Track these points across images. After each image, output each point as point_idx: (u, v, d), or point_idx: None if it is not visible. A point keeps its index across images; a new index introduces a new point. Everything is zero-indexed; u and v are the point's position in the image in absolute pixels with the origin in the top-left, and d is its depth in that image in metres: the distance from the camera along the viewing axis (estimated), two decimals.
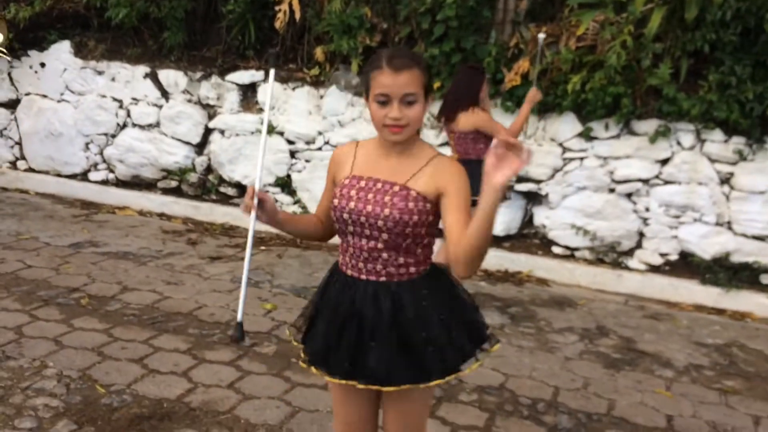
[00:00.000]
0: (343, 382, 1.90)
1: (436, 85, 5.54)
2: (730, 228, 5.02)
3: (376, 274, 1.88)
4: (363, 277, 1.89)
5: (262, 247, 5.70)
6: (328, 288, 2.00)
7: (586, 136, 5.27)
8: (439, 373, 1.88)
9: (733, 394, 3.59)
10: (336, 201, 1.88)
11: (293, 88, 6.24)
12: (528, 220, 5.64)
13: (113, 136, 6.94)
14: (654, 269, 5.24)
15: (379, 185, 1.84)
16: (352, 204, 1.85)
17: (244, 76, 6.41)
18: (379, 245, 1.84)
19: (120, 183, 6.99)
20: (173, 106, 6.64)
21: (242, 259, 5.31)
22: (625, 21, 4.98)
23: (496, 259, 5.48)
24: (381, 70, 1.78)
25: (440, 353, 1.87)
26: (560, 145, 5.38)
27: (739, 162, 4.93)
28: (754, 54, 4.76)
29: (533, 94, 4.58)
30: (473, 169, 4.23)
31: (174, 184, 6.77)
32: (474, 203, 3.67)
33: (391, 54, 1.81)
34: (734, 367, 3.94)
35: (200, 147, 6.69)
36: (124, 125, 6.89)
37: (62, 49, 7.03)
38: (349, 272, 1.92)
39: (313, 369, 1.97)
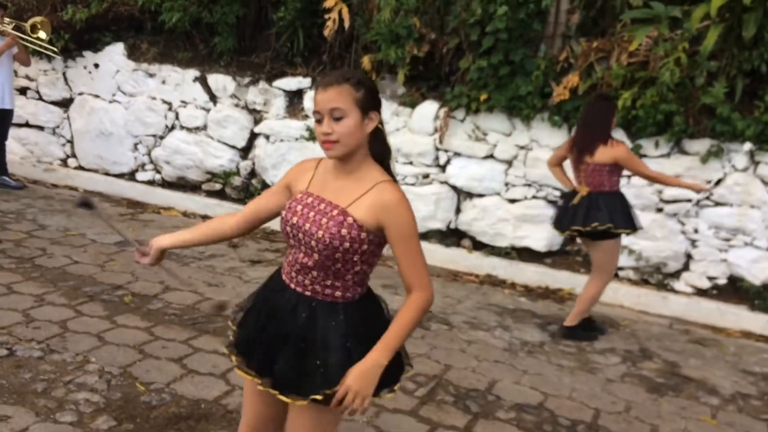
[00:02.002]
0: (249, 377, 1.94)
1: (483, 97, 5.51)
2: None
3: (303, 287, 1.91)
4: (292, 285, 1.93)
5: None
6: (266, 286, 2.06)
7: (636, 153, 5.15)
8: (298, 390, 1.86)
9: None
10: (283, 213, 1.93)
11: None
12: (571, 237, 5.54)
13: (161, 137, 7.06)
14: (701, 293, 5.10)
15: (322, 206, 1.86)
16: (294, 219, 1.88)
17: (291, 83, 6.47)
18: (310, 263, 1.87)
19: (166, 184, 7.11)
20: (221, 110, 6.73)
21: None
22: (680, 38, 4.88)
23: (537, 275, 5.41)
24: (317, 90, 1.85)
25: (328, 379, 1.82)
26: None
27: None
28: None
29: (701, 187, 4.43)
30: (609, 201, 4.14)
31: (218, 186, 6.85)
32: (614, 235, 4.07)
33: (328, 74, 1.94)
34: None
35: (245, 151, 6.76)
36: (172, 127, 7.01)
37: (116, 51, 7.20)
38: (284, 277, 1.97)
39: (232, 357, 2.00)
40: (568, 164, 4.40)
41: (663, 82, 4.78)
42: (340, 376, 1.80)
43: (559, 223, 4.37)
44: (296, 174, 2.01)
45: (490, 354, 4.03)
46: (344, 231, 1.80)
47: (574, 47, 5.38)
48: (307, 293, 1.90)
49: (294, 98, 6.54)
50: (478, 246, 5.81)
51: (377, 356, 1.80)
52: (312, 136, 6.33)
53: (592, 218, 4.11)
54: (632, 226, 4.18)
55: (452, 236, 5.97)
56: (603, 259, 4.26)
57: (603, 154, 4.10)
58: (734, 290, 5.02)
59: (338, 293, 1.89)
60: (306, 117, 6.44)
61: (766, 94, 4.72)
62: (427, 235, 6.00)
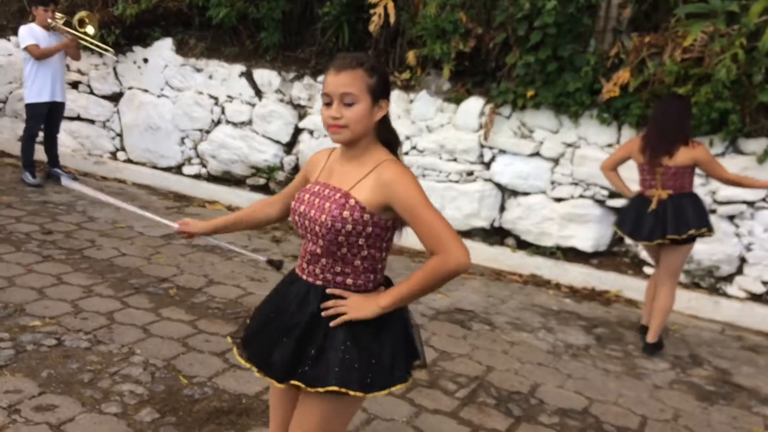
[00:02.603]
0: (253, 368, 1.94)
1: (530, 93, 5.41)
2: None
3: (314, 276, 1.91)
4: (303, 276, 1.94)
5: None
6: (280, 282, 2.07)
7: None
8: (327, 381, 1.80)
9: None
10: (293, 203, 1.95)
11: None
12: (619, 238, 5.40)
13: (207, 132, 7.14)
14: (755, 298, 4.92)
15: (327, 191, 1.87)
16: (301, 207, 1.90)
17: None
18: (318, 250, 1.87)
19: (211, 178, 7.19)
20: (266, 105, 6.77)
21: None
22: (737, 33, 4.70)
23: (582, 276, 5.29)
24: (327, 72, 1.83)
25: (342, 367, 1.81)
26: None
27: None
28: None
29: None
30: (694, 203, 4.03)
31: (262, 181, 6.90)
32: (694, 238, 3.93)
33: (339, 56, 1.85)
34: None
35: (289, 146, 6.79)
36: (218, 122, 7.08)
37: (164, 46, 7.30)
38: (297, 270, 1.98)
39: (235, 350, 2.01)
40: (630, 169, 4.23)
41: (718, 79, 4.61)
42: (354, 369, 1.81)
43: (640, 232, 4.08)
44: (311, 166, 2.04)
45: (533, 356, 3.96)
46: (346, 213, 1.79)
47: (626, 42, 5.23)
48: (318, 282, 1.90)
49: None
50: (522, 245, 5.72)
51: (380, 297, 1.85)
52: None
53: (685, 224, 3.95)
54: (711, 227, 4.06)
55: (496, 235, 5.88)
56: (679, 264, 4.13)
57: (684, 156, 3.94)
58: None
59: (349, 280, 1.88)
60: None
61: None
62: (470, 234, 5.94)
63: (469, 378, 3.60)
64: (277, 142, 6.79)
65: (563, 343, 4.21)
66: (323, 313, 1.85)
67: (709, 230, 4.03)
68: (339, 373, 1.80)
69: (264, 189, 6.87)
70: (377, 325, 1.85)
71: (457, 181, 5.95)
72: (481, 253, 5.71)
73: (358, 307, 1.84)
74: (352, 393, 1.80)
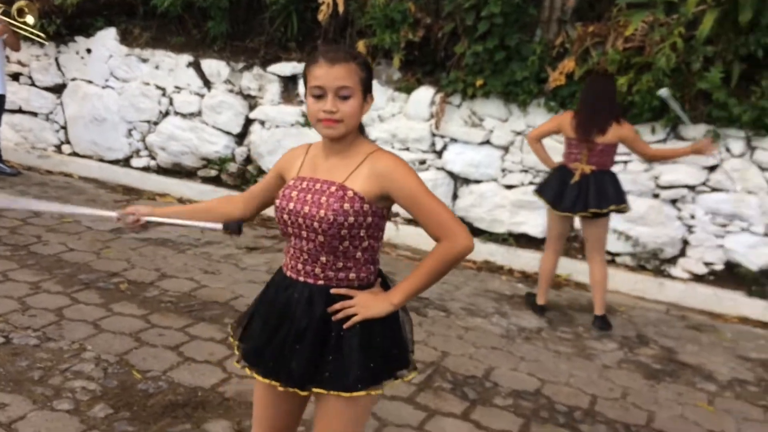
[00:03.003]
0: (267, 381, 1.86)
1: (479, 82, 5.48)
2: None
3: (314, 277, 1.83)
4: (301, 278, 1.85)
5: None
6: (268, 288, 1.97)
7: None
8: (352, 385, 1.79)
9: None
10: (278, 202, 1.86)
11: None
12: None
13: (155, 123, 7.01)
14: (698, 278, 5.11)
15: (318, 185, 1.81)
16: (291, 205, 1.82)
17: (285, 68, 6.42)
18: (317, 247, 1.81)
19: (161, 170, 7.07)
20: (215, 96, 6.68)
21: (279, 250, 5.33)
22: (676, 22, 4.85)
23: (534, 261, 5.40)
24: (316, 64, 1.76)
25: (361, 366, 1.80)
26: None
27: None
28: None
29: (705, 146, 4.32)
30: (613, 180, 4.21)
31: (213, 173, 6.81)
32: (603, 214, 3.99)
33: (328, 48, 1.81)
34: None
35: (240, 137, 6.73)
36: (167, 113, 6.96)
37: (108, 36, 7.12)
38: (288, 273, 1.89)
39: (247, 370, 1.91)
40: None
41: (659, 67, 4.76)
42: (371, 368, 1.80)
43: (562, 202, 4.22)
44: (286, 162, 1.97)
45: (487, 341, 4.04)
46: (346, 205, 1.76)
47: (570, 32, 5.35)
48: (320, 282, 1.83)
49: (288, 84, 6.49)
50: (475, 232, 5.80)
51: (391, 294, 1.84)
52: (308, 123, 6.29)
53: (606, 200, 4.14)
54: (628, 204, 4.27)
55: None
56: (604, 237, 4.31)
57: (613, 134, 4.11)
58: (731, 276, 5.03)
59: (352, 274, 1.84)
60: (301, 103, 6.39)
61: (762, 79, 4.70)
62: None
63: (425, 364, 3.64)
64: (228, 133, 6.71)
65: (516, 327, 4.30)
66: (333, 318, 1.80)
67: (627, 207, 4.25)
68: (361, 375, 1.78)
69: (216, 181, 6.79)
70: (383, 319, 1.83)
71: None
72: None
73: (369, 305, 1.80)
74: (374, 392, 1.82)
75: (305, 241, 1.82)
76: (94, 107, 7.23)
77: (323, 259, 1.82)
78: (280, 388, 1.85)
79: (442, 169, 5.88)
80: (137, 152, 7.18)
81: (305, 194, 1.81)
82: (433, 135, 5.88)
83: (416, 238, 5.88)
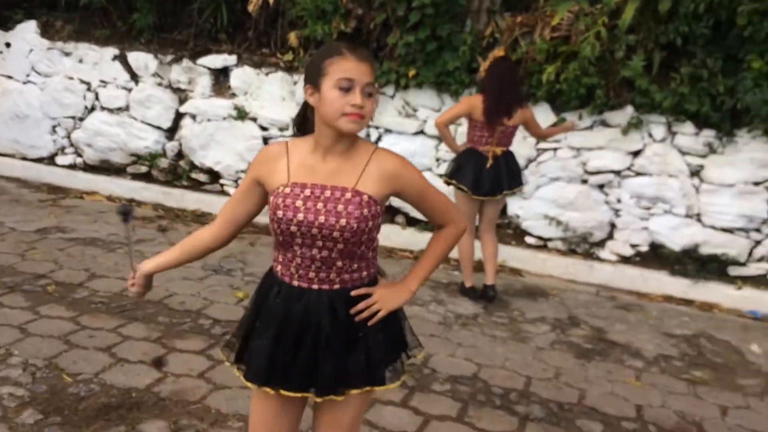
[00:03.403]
0: (299, 394, 1.83)
1: (411, 73, 5.51)
2: (699, 220, 5.09)
3: (330, 282, 1.80)
4: (315, 286, 1.80)
5: None
6: (267, 301, 1.87)
7: (560, 126, 5.28)
8: (375, 380, 1.85)
9: (701, 385, 3.65)
10: (280, 213, 1.75)
11: (266, 74, 6.15)
12: (502, 210, 5.63)
13: (81, 119, 6.78)
14: (625, 260, 5.30)
15: (328, 192, 1.75)
16: (300, 216, 1.73)
17: (216, 60, 6.31)
18: (333, 255, 1.77)
19: (88, 167, 6.84)
20: (143, 90, 6.51)
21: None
22: (600, 12, 5.00)
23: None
24: (343, 57, 1.72)
25: (376, 360, 1.85)
26: None
27: (709, 155, 5.00)
28: (725, 47, 4.82)
29: (570, 126, 4.89)
30: (515, 159, 4.45)
31: (144, 169, 6.64)
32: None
33: (351, 45, 1.79)
34: (702, 358, 4.01)
35: (171, 132, 6.57)
36: (92, 108, 6.73)
37: (28, 29, 6.83)
38: (295, 282, 1.81)
39: (269, 390, 1.84)
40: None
41: (584, 56, 4.89)
42: (382, 360, 1.85)
43: (481, 188, 4.29)
44: (263, 166, 1.84)
45: (425, 328, 4.08)
46: (365, 211, 1.73)
47: (499, 22, 5.44)
48: (336, 287, 1.81)
49: (220, 76, 6.38)
50: (411, 222, 5.85)
51: (407, 282, 1.91)
52: (241, 115, 6.21)
53: (514, 180, 4.41)
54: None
55: (386, 213, 5.97)
56: (498, 213, 4.65)
57: (519, 116, 4.28)
58: (656, 257, 5.23)
59: (364, 273, 1.85)
60: (233, 95, 6.29)
61: (681, 67, 4.89)
62: None
63: None
64: (158, 127, 6.55)
65: (453, 313, 4.36)
66: (359, 318, 1.81)
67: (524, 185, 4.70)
68: (391, 366, 1.88)
69: (146, 177, 6.62)
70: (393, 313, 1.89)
71: None
72: None
73: (390, 298, 1.85)
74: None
75: (318, 250, 1.76)
76: (15, 104, 6.93)
77: (339, 264, 1.79)
78: (317, 399, 1.84)
79: None
80: (62, 149, 6.93)
81: (314, 203, 1.74)
82: (368, 126, 5.88)
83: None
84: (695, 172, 5.06)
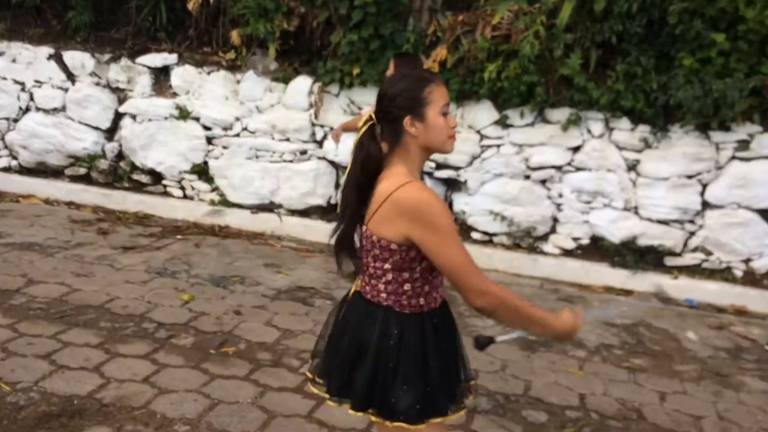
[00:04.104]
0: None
1: (355, 71, 5.52)
2: (636, 213, 5.25)
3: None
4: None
5: (179, 236, 5.54)
6: (436, 326, 1.94)
7: (503, 123, 5.38)
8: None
9: (640, 372, 3.78)
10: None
11: (208, 72, 6.07)
12: (448, 206, 5.71)
13: (15, 120, 6.56)
14: (567, 253, 5.43)
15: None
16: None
17: (155, 59, 6.19)
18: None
19: (24, 170, 6.63)
20: (80, 90, 6.34)
21: (158, 248, 5.16)
22: (538, 12, 5.10)
23: None
24: (437, 84, 1.81)
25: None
26: (478, 132, 5.47)
27: (645, 149, 5.16)
28: (658, 45, 4.98)
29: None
30: None
31: (83, 171, 6.47)
32: None
33: (429, 71, 1.93)
34: (641, 346, 4.14)
35: (110, 132, 6.42)
36: (27, 109, 6.52)
37: None
38: (440, 303, 1.95)
39: (462, 413, 1.97)
40: None
41: (524, 54, 4.99)
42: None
43: None
44: None
45: None
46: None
47: (441, 21, 5.49)
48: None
49: (160, 75, 6.26)
50: None
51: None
52: (183, 115, 6.11)
53: None
54: None
55: (333, 211, 5.97)
56: None
57: None
58: (596, 249, 5.38)
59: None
60: (174, 95, 6.19)
61: (617, 64, 5.04)
62: (307, 212, 5.99)
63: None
64: (97, 128, 6.39)
65: None
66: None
67: None
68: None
69: (85, 179, 6.46)
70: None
71: (291, 161, 5.96)
72: (320, 231, 5.78)
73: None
74: None
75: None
76: None
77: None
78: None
79: (323, 158, 5.89)
80: None
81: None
82: (313, 125, 5.87)
83: (300, 228, 5.88)
84: (632, 167, 5.23)
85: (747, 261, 5.13)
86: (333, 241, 1.93)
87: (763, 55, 4.81)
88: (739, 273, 5.14)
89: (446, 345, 1.95)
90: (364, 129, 1.85)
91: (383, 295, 1.86)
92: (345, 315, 1.97)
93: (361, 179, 1.82)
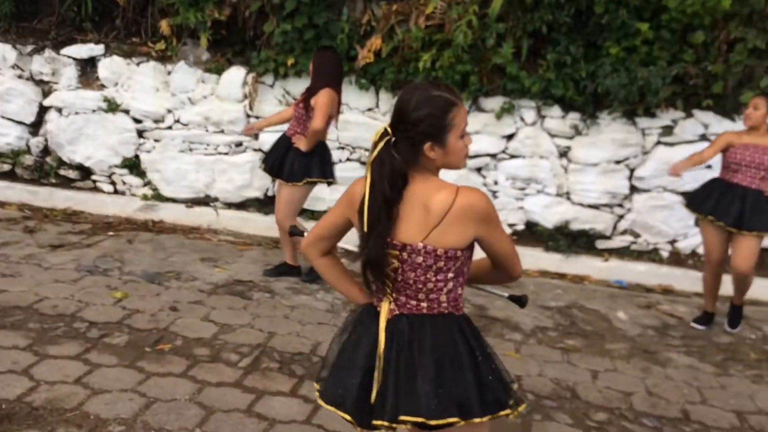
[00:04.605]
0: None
1: (290, 61, 5.47)
2: (568, 198, 5.40)
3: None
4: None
5: (110, 233, 5.39)
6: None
7: None
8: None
9: (574, 352, 3.89)
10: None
11: (137, 63, 5.90)
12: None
13: None
14: None
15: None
16: None
17: (81, 50, 5.98)
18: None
19: None
20: (2, 83, 6.08)
21: (88, 246, 5.01)
22: (471, 1, 5.15)
23: (355, 237, 5.53)
24: (459, 108, 1.79)
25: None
26: None
27: (575, 136, 5.31)
28: (586, 35, 5.11)
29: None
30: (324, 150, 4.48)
31: (6, 167, 6.21)
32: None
33: (448, 87, 1.83)
34: (575, 327, 4.27)
35: (35, 127, 6.18)
36: None
37: None
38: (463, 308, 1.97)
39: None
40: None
41: (458, 43, 5.04)
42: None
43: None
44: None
45: (313, 317, 4.09)
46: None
47: (376, 10, 5.49)
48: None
49: (86, 67, 6.05)
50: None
51: None
52: (112, 108, 5.93)
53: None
54: None
55: (270, 204, 5.91)
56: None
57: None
58: (531, 234, 5.51)
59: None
60: (102, 87, 6.00)
61: (547, 53, 5.15)
62: (244, 205, 5.92)
63: (251, 347, 3.63)
64: (21, 123, 6.15)
65: (341, 300, 4.39)
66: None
67: None
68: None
69: (10, 176, 6.20)
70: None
71: (226, 153, 5.87)
72: (258, 224, 5.73)
73: None
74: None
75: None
76: None
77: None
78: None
79: (259, 150, 5.81)
80: None
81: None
82: (248, 116, 5.79)
83: (237, 221, 5.80)
84: (563, 153, 5.36)
85: (672, 242, 5.35)
86: (362, 262, 1.85)
87: (684, 44, 5.00)
88: (665, 254, 5.35)
89: None
90: (381, 145, 1.79)
91: (444, 304, 1.85)
92: (395, 344, 1.84)
93: (390, 195, 1.78)
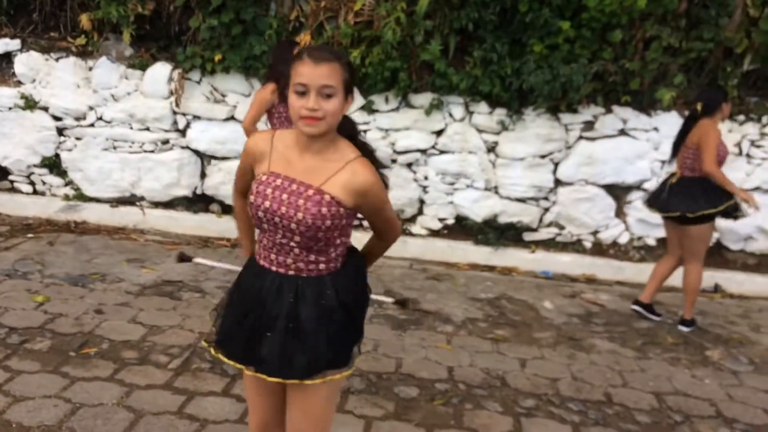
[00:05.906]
0: (231, 362, 1.95)
1: (217, 57, 5.39)
2: (496, 192, 5.53)
3: (285, 267, 1.90)
4: (273, 268, 1.91)
5: (30, 235, 5.18)
6: (242, 276, 2.03)
7: (368, 109, 5.46)
8: (325, 369, 1.90)
9: (503, 342, 4.00)
10: (252, 198, 1.88)
11: (56, 59, 5.69)
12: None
13: None
14: (434, 233, 5.62)
15: (294, 186, 1.83)
16: (267, 203, 1.84)
17: None
18: (291, 243, 1.86)
19: None
20: None
21: (7, 248, 4.81)
22: None
23: None
24: (302, 61, 1.79)
25: (332, 350, 1.90)
26: None
27: (502, 132, 5.43)
28: (511, 32, 5.23)
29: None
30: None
31: None
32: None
33: (313, 47, 1.85)
34: (504, 318, 4.38)
35: None
36: None
37: None
38: (261, 262, 1.95)
39: (212, 350, 2.00)
40: None
41: (387, 40, 5.08)
42: (339, 351, 1.90)
43: None
44: (253, 153, 1.94)
45: None
46: (324, 210, 1.80)
47: (304, 6, 5.47)
48: (291, 272, 1.89)
49: (2, 62, 5.79)
50: (227, 210, 5.74)
51: None
52: (29, 105, 5.69)
53: None
54: None
55: (200, 202, 5.82)
56: None
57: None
58: (461, 228, 5.61)
59: (322, 266, 1.90)
60: (19, 83, 5.75)
61: (474, 50, 5.24)
62: (172, 203, 5.80)
63: (182, 348, 3.56)
64: None
65: None
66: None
67: None
68: (332, 359, 1.89)
69: None
70: (340, 299, 1.90)
71: (152, 151, 5.73)
72: (187, 222, 5.63)
73: None
74: (346, 373, 1.95)
75: (279, 236, 1.86)
76: None
77: (296, 251, 1.87)
78: (248, 372, 1.95)
79: (187, 147, 5.71)
80: None
81: (281, 193, 1.84)
82: (175, 113, 5.67)
83: (165, 221, 5.69)
84: (491, 149, 5.48)
85: (595, 233, 5.56)
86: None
87: (604, 42, 5.19)
88: (588, 244, 5.55)
89: None
90: None
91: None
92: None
93: None
